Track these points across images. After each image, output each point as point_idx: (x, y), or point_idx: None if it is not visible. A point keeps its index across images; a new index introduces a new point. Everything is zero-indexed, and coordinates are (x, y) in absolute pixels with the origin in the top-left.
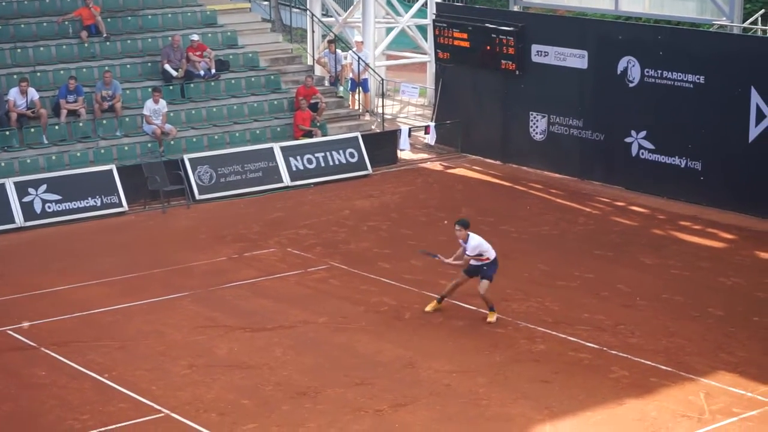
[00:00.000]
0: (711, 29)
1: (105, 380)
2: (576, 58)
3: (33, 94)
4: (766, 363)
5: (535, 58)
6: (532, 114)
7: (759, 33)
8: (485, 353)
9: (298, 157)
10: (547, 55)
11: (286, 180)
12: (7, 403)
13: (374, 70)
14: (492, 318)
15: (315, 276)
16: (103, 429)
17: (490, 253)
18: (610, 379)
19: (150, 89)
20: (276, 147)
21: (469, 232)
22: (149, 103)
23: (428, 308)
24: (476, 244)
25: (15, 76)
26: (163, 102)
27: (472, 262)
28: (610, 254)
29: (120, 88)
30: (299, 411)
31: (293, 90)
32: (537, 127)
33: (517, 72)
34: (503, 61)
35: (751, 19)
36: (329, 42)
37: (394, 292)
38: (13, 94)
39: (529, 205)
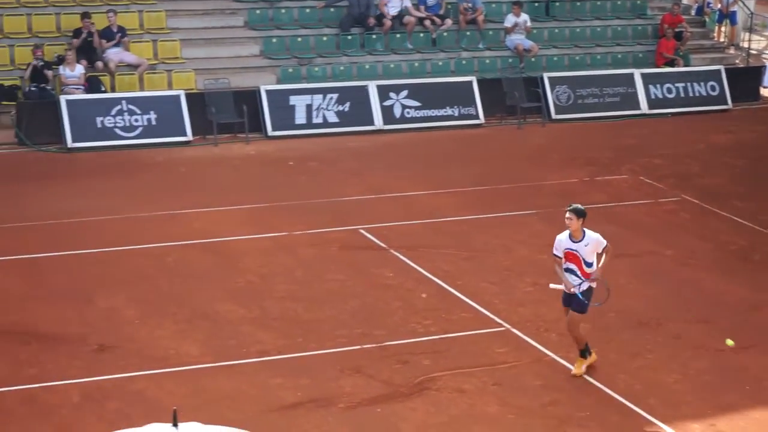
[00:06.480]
0: None
1: (450, 288)
2: None
3: None
4: None
5: None
6: None
7: None
8: None
9: (658, 86)
10: None
11: (644, 107)
12: (355, 299)
13: (744, 3)
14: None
15: (665, 207)
16: (444, 335)
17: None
18: None
19: (511, 3)
20: (637, 73)
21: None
22: (510, 17)
23: (575, 371)
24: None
25: None
26: (525, 16)
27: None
28: None
29: (480, 2)
30: (639, 341)
31: (658, 16)
32: None
33: None
34: None
35: None
36: None
37: (745, 232)
38: None
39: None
